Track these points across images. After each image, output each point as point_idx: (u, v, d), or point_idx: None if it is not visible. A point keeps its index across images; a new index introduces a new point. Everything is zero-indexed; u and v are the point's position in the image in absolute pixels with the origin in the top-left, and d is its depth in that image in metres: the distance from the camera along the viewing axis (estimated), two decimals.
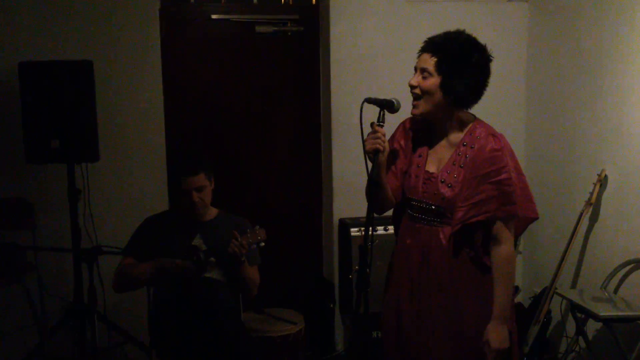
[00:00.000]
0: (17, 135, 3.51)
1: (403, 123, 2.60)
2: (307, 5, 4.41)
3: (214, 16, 4.25)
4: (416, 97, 2.42)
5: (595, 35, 3.69)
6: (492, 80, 4.23)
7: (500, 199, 2.37)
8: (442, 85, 2.37)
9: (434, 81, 2.37)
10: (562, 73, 4.01)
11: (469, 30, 4.15)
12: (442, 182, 2.44)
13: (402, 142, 2.55)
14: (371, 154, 2.36)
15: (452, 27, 4.12)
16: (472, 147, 2.43)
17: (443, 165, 2.47)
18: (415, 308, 2.51)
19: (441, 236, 2.45)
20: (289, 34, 4.34)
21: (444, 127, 2.49)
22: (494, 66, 4.25)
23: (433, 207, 2.46)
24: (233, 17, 4.28)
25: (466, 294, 2.45)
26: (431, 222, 2.48)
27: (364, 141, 2.39)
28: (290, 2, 4.44)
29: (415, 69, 2.43)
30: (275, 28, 4.31)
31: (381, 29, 4.16)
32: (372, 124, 2.40)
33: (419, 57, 2.44)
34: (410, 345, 2.53)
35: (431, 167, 2.50)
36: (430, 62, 2.37)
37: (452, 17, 4.23)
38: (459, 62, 2.37)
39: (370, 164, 2.40)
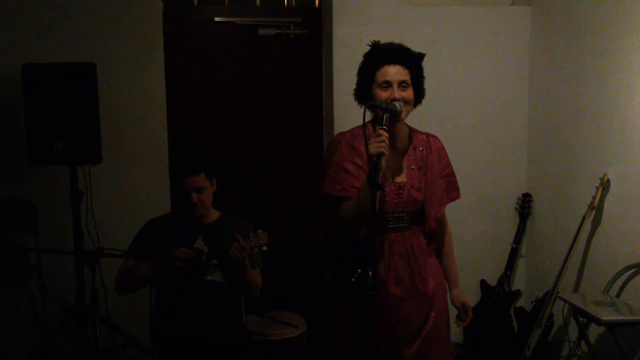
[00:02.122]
0: (20, 137, 3.52)
1: (344, 141, 2.64)
2: (310, 8, 4.42)
3: (216, 19, 4.26)
4: None
5: (598, 39, 3.69)
6: (495, 83, 4.31)
7: (448, 190, 2.74)
8: (416, 95, 2.57)
9: (411, 91, 2.54)
10: (564, 76, 4.01)
11: (471, 34, 4.22)
12: (412, 187, 2.61)
13: (357, 160, 2.59)
14: (375, 157, 2.37)
15: (454, 31, 4.22)
16: (421, 150, 2.67)
17: (403, 172, 2.62)
18: (412, 308, 2.63)
19: (419, 234, 2.68)
20: (292, 36, 4.34)
21: (392, 136, 2.55)
22: (497, 69, 4.30)
23: (405, 213, 2.63)
24: (236, 19, 4.29)
25: (437, 277, 2.73)
26: (406, 227, 2.65)
27: (367, 145, 2.40)
28: (293, 5, 4.44)
29: (388, 82, 2.50)
30: (278, 31, 4.32)
31: (384, 32, 4.12)
32: (375, 128, 2.42)
33: (381, 69, 2.52)
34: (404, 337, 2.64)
35: (387, 177, 2.60)
36: (406, 74, 2.52)
37: (455, 20, 4.24)
38: (421, 72, 2.61)
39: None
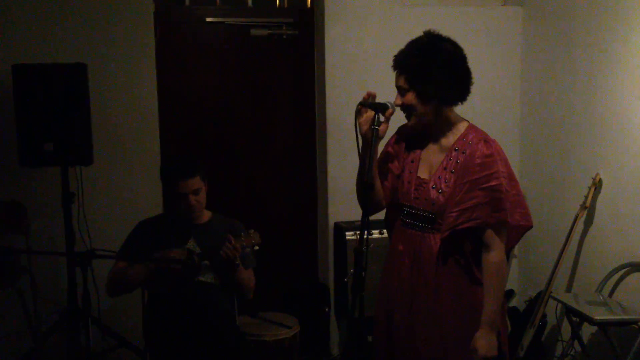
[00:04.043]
0: (10, 138, 3.50)
1: (398, 129, 2.62)
2: (302, 8, 4.42)
3: (208, 19, 4.25)
4: (405, 113, 2.48)
5: (589, 39, 3.70)
6: (487, 84, 4.32)
7: (491, 206, 2.36)
8: (419, 96, 2.41)
9: (410, 95, 2.42)
10: (556, 77, 4.02)
11: (463, 35, 4.21)
12: (433, 187, 2.45)
13: (396, 147, 2.58)
14: (364, 135, 2.39)
15: (446, 32, 4.14)
16: (463, 152, 2.43)
17: (434, 170, 2.48)
18: (405, 312, 2.50)
19: (432, 242, 2.45)
20: (284, 37, 4.34)
21: (436, 132, 2.50)
22: (489, 70, 4.31)
23: (424, 213, 2.46)
24: (228, 20, 4.28)
25: (450, 302, 2.43)
26: (423, 228, 2.48)
27: (358, 145, 2.40)
28: (285, 6, 4.44)
29: (397, 89, 2.48)
30: (270, 31, 4.31)
31: (376, 32, 4.16)
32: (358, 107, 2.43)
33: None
34: (400, 348, 2.53)
35: (423, 173, 2.50)
36: (401, 79, 2.44)
37: (447, 21, 4.23)
38: (424, 70, 2.39)
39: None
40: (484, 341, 2.36)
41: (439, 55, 2.40)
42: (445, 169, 2.45)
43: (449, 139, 2.48)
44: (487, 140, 2.45)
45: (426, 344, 2.46)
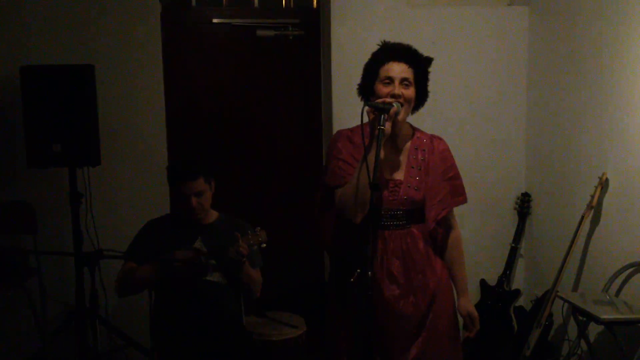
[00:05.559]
0: (18, 139, 3.53)
1: (343, 135, 2.66)
2: (308, 9, 4.42)
3: (215, 20, 4.26)
4: (388, 106, 2.49)
5: (596, 39, 3.70)
6: (493, 84, 4.32)
7: (452, 193, 2.70)
8: (417, 95, 2.56)
9: (413, 91, 2.54)
10: (562, 76, 4.01)
11: (470, 35, 4.23)
12: (408, 186, 2.58)
13: (354, 154, 2.59)
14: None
15: (453, 32, 4.22)
16: (423, 150, 2.65)
17: (401, 170, 2.60)
18: (404, 309, 2.58)
19: (415, 234, 2.61)
20: (290, 38, 4.34)
21: (394, 134, 2.55)
22: (495, 69, 4.31)
23: (400, 212, 2.58)
24: (234, 21, 4.29)
25: (439, 280, 2.66)
26: (403, 225, 2.60)
27: (365, 147, 2.40)
28: (292, 6, 4.44)
29: (390, 78, 2.51)
30: (277, 32, 4.32)
31: (382, 33, 4.09)
32: (373, 128, 2.41)
33: (385, 65, 2.54)
34: (394, 342, 2.59)
35: (388, 174, 2.59)
36: (409, 72, 2.52)
37: (453, 21, 4.24)
38: (426, 73, 2.61)
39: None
40: (471, 305, 2.78)
41: (429, 65, 2.63)
42: (412, 167, 2.61)
43: (404, 141, 2.65)
44: (437, 137, 2.72)
45: (416, 315, 2.60)
